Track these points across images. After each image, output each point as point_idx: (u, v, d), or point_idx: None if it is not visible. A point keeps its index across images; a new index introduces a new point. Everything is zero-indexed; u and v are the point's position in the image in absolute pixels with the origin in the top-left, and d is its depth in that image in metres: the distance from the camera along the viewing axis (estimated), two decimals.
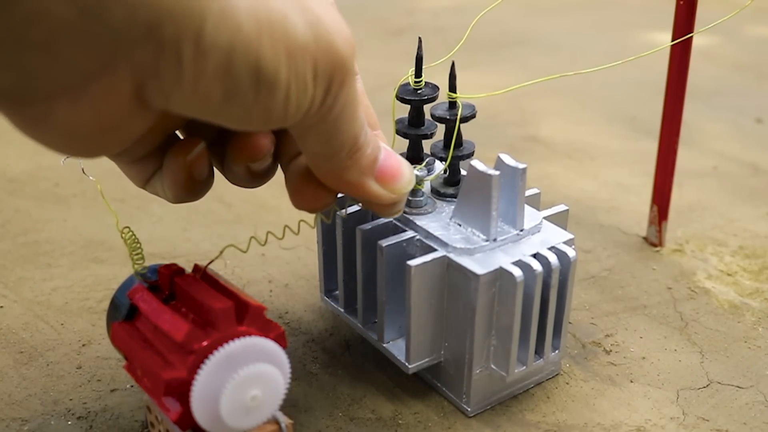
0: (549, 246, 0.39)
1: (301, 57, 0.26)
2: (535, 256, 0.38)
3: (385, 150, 0.33)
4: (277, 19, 0.25)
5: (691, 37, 0.49)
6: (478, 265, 0.37)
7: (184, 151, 0.32)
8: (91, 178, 0.34)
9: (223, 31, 0.24)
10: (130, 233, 0.36)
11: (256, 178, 0.34)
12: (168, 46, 0.24)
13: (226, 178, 0.35)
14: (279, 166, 0.35)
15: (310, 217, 0.38)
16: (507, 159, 0.38)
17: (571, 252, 0.38)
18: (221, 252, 0.36)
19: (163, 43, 0.23)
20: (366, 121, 0.31)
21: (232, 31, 0.24)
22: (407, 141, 0.43)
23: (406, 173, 0.33)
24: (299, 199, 0.34)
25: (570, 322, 0.47)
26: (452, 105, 0.41)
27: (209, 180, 0.34)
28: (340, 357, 0.45)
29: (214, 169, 0.35)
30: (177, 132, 0.34)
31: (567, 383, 0.43)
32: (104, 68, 0.24)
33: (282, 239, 0.36)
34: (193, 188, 0.33)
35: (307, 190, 0.33)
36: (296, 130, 0.29)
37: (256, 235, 0.38)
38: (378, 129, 0.36)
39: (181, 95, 0.25)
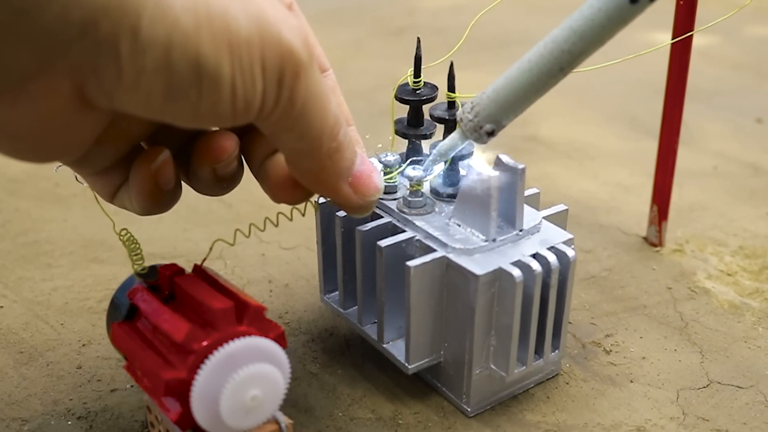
0: (548, 246, 0.39)
1: (246, 51, 0.25)
2: (534, 256, 0.38)
3: (360, 155, 0.33)
4: (217, 13, 0.25)
5: (691, 36, 0.49)
6: (477, 266, 0.37)
7: (149, 159, 0.32)
8: (84, 184, 0.34)
9: (159, 26, 0.24)
10: (128, 235, 0.36)
11: (222, 184, 0.34)
12: (104, 43, 0.23)
13: (193, 187, 0.35)
14: (245, 170, 0.35)
15: (300, 209, 0.38)
16: (507, 159, 0.38)
17: (570, 252, 0.38)
18: (211, 247, 0.37)
19: (99, 41, 0.23)
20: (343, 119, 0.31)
21: (169, 26, 0.24)
22: (407, 141, 0.43)
23: (378, 181, 0.34)
24: (279, 195, 0.34)
25: (570, 322, 0.47)
26: (451, 105, 0.41)
27: (176, 191, 0.34)
28: (340, 357, 0.45)
29: (182, 182, 0.35)
30: (143, 144, 0.34)
31: (567, 383, 0.43)
32: (42, 69, 0.24)
33: (264, 231, 0.37)
34: (159, 198, 0.33)
35: (286, 186, 0.33)
36: (266, 128, 0.29)
37: (250, 230, 0.38)
38: (352, 124, 0.36)
39: (123, 93, 0.25)
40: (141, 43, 0.24)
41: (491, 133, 0.35)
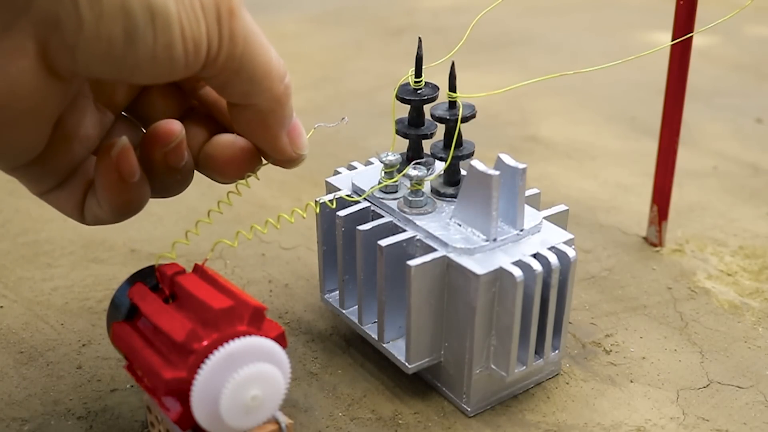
0: (549, 246, 0.39)
1: None
2: (535, 256, 0.38)
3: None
4: None
5: (691, 37, 0.49)
6: (478, 265, 0.37)
7: (109, 149, 0.32)
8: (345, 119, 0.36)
9: None
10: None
11: (176, 175, 0.35)
12: None
13: (152, 188, 0.35)
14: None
15: (300, 208, 0.39)
16: (507, 159, 0.38)
17: (571, 252, 0.38)
18: (212, 248, 0.38)
19: None
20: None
21: None
22: (407, 141, 0.43)
23: (305, 137, 0.36)
24: (228, 172, 0.36)
25: (570, 322, 0.47)
26: (452, 105, 0.41)
27: (143, 187, 0.34)
28: (340, 357, 0.45)
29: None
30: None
31: (567, 383, 0.43)
32: (5, 27, 0.25)
33: (265, 233, 0.37)
34: (126, 193, 0.33)
35: (232, 160, 0.35)
36: (216, 78, 0.30)
37: (252, 231, 0.38)
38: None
39: (84, 45, 0.26)
40: None
41: None
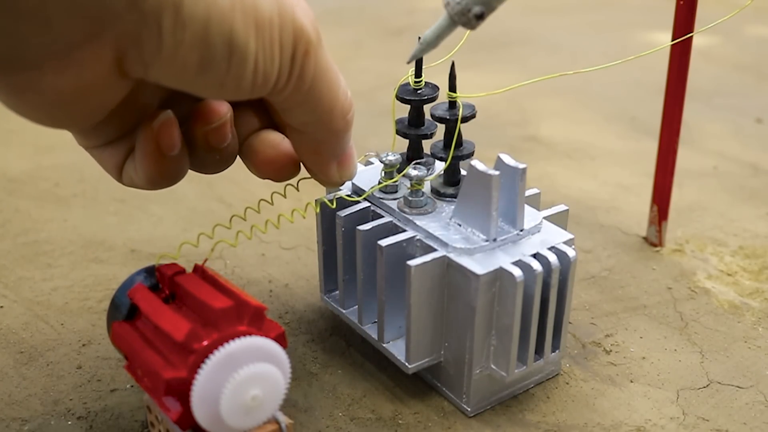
0: (549, 246, 0.39)
1: (268, 29, 0.28)
2: (535, 256, 0.38)
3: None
4: None
5: (691, 37, 0.49)
6: (478, 265, 0.37)
7: (153, 119, 0.33)
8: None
9: (200, 3, 0.25)
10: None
11: (215, 155, 0.35)
12: (149, 17, 0.25)
13: (192, 164, 0.36)
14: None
15: (300, 208, 0.39)
16: (507, 159, 0.38)
17: (571, 252, 0.38)
18: (212, 249, 0.38)
19: (144, 14, 0.25)
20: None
21: (209, 4, 0.26)
22: (407, 141, 0.43)
23: (356, 166, 0.37)
24: (265, 172, 0.36)
25: (570, 322, 0.47)
26: (452, 105, 0.41)
27: (181, 161, 0.34)
28: (340, 357, 0.45)
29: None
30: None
31: (567, 383, 0.43)
32: (90, 37, 0.25)
33: (265, 233, 0.37)
34: (163, 165, 0.33)
35: (273, 162, 0.35)
36: (279, 103, 0.31)
37: (252, 231, 0.38)
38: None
39: (159, 64, 0.27)
40: (182, 18, 0.25)
41: (480, 17, 0.32)
